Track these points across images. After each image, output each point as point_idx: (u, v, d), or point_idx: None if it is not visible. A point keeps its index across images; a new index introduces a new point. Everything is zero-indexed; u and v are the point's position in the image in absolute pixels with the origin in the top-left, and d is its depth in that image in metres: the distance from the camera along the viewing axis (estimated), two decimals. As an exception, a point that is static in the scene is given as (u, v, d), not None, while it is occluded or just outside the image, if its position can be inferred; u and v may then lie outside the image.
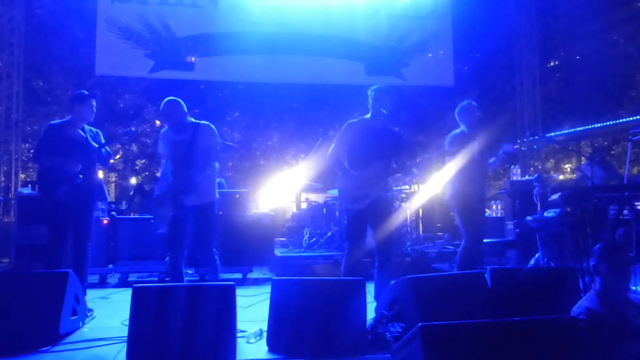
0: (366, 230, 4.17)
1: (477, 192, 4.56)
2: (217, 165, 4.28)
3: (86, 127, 4.57)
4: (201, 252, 4.15)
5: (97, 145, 4.52)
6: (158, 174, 4.30)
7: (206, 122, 4.22)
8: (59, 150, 4.33)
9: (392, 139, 4.24)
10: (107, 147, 4.61)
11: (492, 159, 4.74)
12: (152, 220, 4.40)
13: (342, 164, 4.20)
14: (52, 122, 4.63)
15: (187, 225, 4.04)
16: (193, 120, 4.21)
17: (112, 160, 4.85)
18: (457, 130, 4.69)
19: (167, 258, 4.15)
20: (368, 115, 4.27)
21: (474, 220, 4.53)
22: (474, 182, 4.53)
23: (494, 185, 14.24)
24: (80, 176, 4.35)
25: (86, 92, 4.56)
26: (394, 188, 7.53)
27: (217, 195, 4.28)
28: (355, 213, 4.13)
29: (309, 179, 8.13)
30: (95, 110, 4.56)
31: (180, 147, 4.08)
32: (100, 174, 7.05)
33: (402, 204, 7.74)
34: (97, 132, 4.64)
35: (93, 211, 4.57)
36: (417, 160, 4.24)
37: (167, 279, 6.36)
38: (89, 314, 4.29)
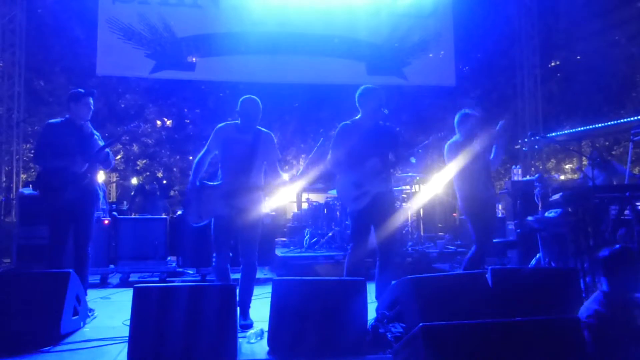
0: (370, 230, 4.18)
1: (486, 196, 4.57)
2: None
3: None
4: (243, 256, 4.08)
5: (102, 143, 4.53)
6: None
7: (268, 131, 4.17)
8: (61, 150, 4.28)
9: (386, 135, 4.29)
10: (108, 149, 4.59)
11: (493, 152, 4.72)
12: (184, 213, 4.31)
13: (341, 164, 4.21)
14: (50, 120, 4.59)
15: (232, 226, 3.98)
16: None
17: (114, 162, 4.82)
18: (453, 139, 4.74)
19: (213, 258, 4.09)
20: (358, 116, 4.30)
21: (485, 225, 4.55)
22: (482, 186, 4.55)
23: (495, 185, 14.22)
24: (88, 175, 4.36)
25: (82, 91, 4.52)
26: (395, 188, 7.53)
27: (264, 204, 4.20)
28: (358, 214, 4.14)
29: (310, 179, 8.12)
30: (92, 108, 4.50)
31: (241, 147, 4.00)
32: (102, 176, 7.08)
33: (403, 204, 7.75)
34: (97, 135, 4.62)
35: (94, 211, 4.56)
36: (417, 150, 4.26)
37: (168, 279, 6.38)
38: (90, 314, 4.30)
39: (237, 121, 4.14)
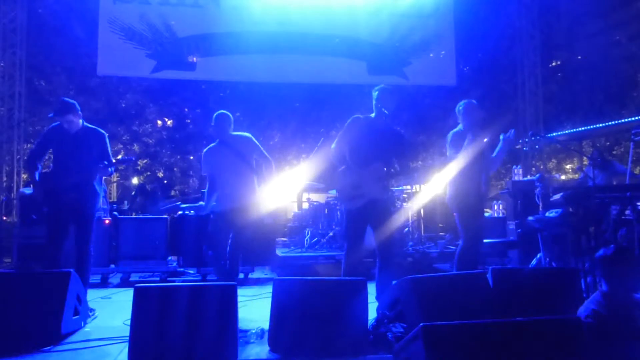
0: (365, 230, 4.15)
1: (476, 193, 4.53)
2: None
3: (90, 126, 4.59)
4: (230, 252, 4.31)
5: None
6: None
7: (242, 134, 4.56)
8: (54, 154, 4.47)
9: (395, 140, 4.22)
10: (110, 161, 4.61)
11: (495, 152, 4.70)
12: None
13: (345, 159, 4.16)
14: (51, 125, 4.65)
15: (223, 224, 4.24)
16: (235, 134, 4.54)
17: (120, 167, 4.94)
18: (457, 129, 4.66)
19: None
20: (373, 115, 4.24)
21: (474, 221, 4.50)
22: (474, 183, 4.50)
23: (496, 185, 14.22)
24: (85, 177, 4.39)
25: (65, 102, 4.47)
26: (396, 188, 7.53)
27: (252, 201, 4.44)
28: (353, 212, 4.10)
29: (310, 179, 8.13)
30: (67, 125, 4.45)
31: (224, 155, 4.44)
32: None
33: (404, 204, 7.74)
34: (101, 135, 4.61)
35: (94, 210, 4.56)
36: (419, 163, 4.27)
37: (169, 279, 6.39)
38: (90, 314, 4.30)
39: None
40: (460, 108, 4.65)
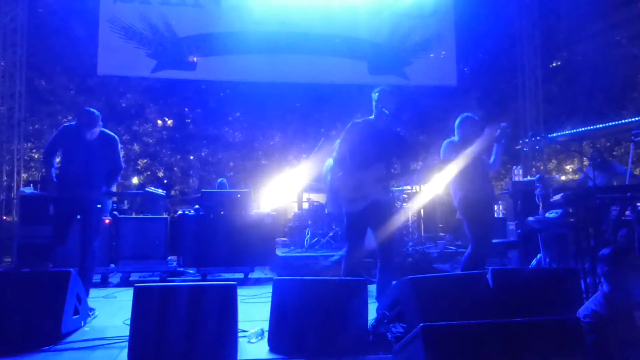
0: (366, 231, 4.14)
1: (482, 197, 4.55)
2: None
3: (105, 131, 4.63)
4: None
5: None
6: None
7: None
8: (66, 157, 4.52)
9: (395, 141, 4.20)
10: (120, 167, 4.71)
11: (492, 157, 4.70)
12: None
13: (345, 163, 4.17)
14: (65, 124, 4.71)
15: None
16: None
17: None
18: (451, 139, 4.70)
19: None
20: (372, 117, 4.23)
21: (481, 226, 4.52)
22: (478, 188, 4.53)
23: (496, 186, 14.23)
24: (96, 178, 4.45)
25: (88, 112, 4.48)
26: (396, 189, 7.53)
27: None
28: (354, 215, 4.08)
29: (310, 178, 8.13)
30: (89, 136, 4.49)
31: None
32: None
33: (404, 204, 7.75)
34: (114, 140, 4.66)
35: (101, 213, 4.60)
36: (419, 164, 4.26)
37: (168, 278, 6.39)
38: (90, 313, 4.30)
39: None
40: (458, 121, 4.71)
